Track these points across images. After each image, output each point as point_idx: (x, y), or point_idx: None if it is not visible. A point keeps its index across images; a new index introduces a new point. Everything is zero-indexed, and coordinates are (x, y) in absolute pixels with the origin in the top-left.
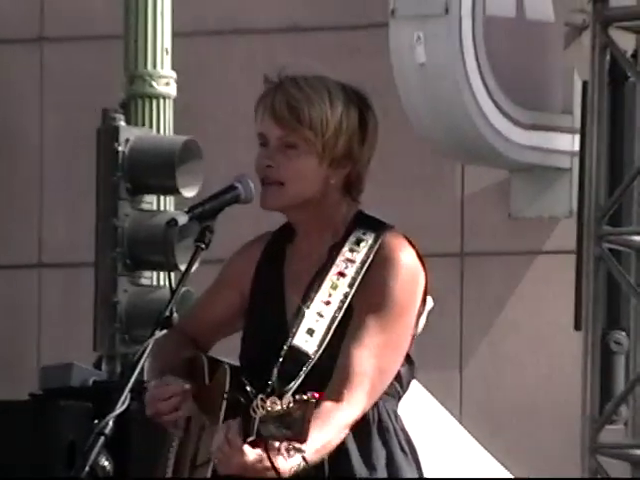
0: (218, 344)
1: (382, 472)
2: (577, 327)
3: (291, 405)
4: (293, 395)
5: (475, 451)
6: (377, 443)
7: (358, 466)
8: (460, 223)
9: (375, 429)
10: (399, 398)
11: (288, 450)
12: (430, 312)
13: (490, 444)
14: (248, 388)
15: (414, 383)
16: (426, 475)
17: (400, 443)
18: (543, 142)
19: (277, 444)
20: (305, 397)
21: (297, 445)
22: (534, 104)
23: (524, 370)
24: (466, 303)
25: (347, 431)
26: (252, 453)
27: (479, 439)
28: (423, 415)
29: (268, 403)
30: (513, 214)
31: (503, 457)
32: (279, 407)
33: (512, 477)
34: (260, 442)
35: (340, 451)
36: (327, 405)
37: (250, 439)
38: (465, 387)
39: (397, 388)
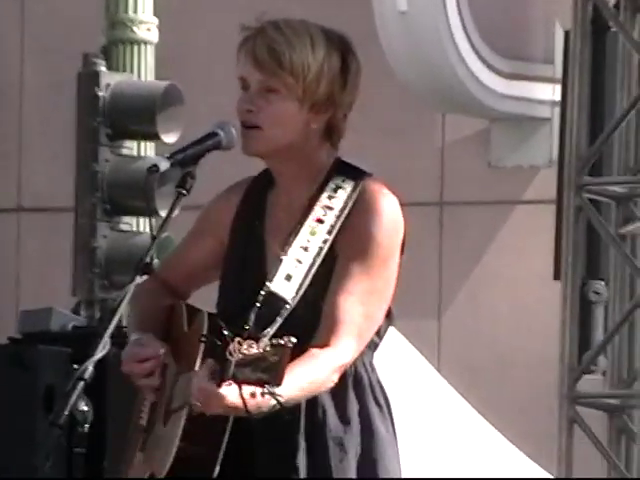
0: (195, 296)
1: (356, 426)
2: (556, 277)
3: (267, 349)
4: (270, 339)
5: (453, 400)
6: (351, 395)
7: (332, 420)
8: (440, 172)
9: (351, 381)
10: (375, 348)
11: (263, 394)
12: (409, 261)
13: (468, 393)
14: (225, 332)
15: (393, 331)
16: (402, 426)
17: (375, 396)
18: (524, 91)
19: (252, 388)
20: (282, 341)
21: (271, 389)
22: (515, 53)
23: (502, 319)
24: (445, 252)
25: (338, 375)
26: (230, 394)
27: (457, 388)
28: (401, 363)
29: (244, 346)
30: (493, 163)
31: (481, 406)
32: (255, 350)
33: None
34: (236, 385)
35: (315, 404)
36: (313, 349)
37: (225, 383)
38: (443, 336)
39: (374, 339)
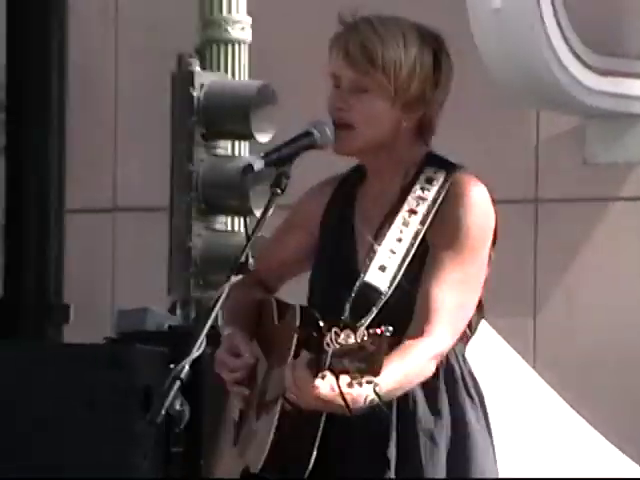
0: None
1: (446, 418)
2: None
3: (365, 339)
4: (366, 329)
5: (549, 398)
6: (442, 387)
7: (423, 411)
8: (534, 169)
9: (442, 373)
10: (467, 341)
11: (360, 383)
12: (504, 258)
13: (564, 392)
14: (321, 323)
15: (487, 327)
16: (496, 420)
17: (467, 388)
18: (618, 88)
19: (349, 378)
20: (379, 331)
21: (370, 378)
22: (610, 49)
23: (599, 318)
24: (540, 250)
25: (435, 362)
26: (324, 385)
27: (553, 386)
28: (494, 358)
29: (342, 337)
30: (588, 160)
31: (577, 405)
32: (353, 340)
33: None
34: (332, 375)
35: (406, 395)
36: (408, 340)
37: (322, 374)
38: (539, 335)
39: (466, 331)
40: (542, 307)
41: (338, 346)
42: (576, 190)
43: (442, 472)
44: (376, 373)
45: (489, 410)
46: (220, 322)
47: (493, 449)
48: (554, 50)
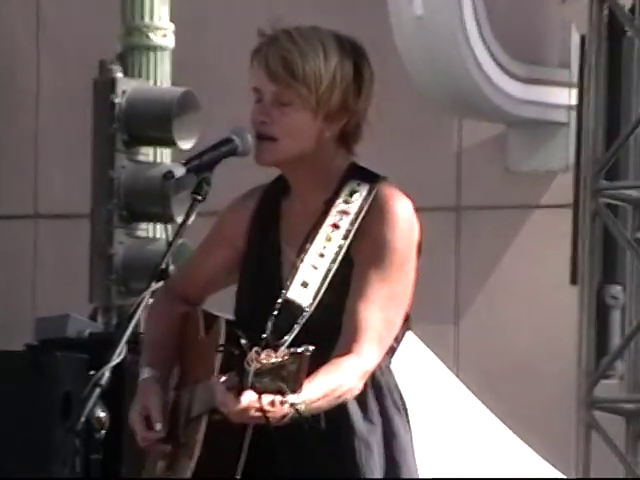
0: (211, 299)
1: (379, 427)
2: (573, 281)
3: (286, 358)
4: (288, 348)
5: (471, 404)
6: (371, 397)
7: (357, 419)
8: (456, 177)
9: (370, 384)
10: (392, 353)
11: (282, 402)
12: (426, 265)
13: (486, 398)
14: (242, 341)
15: (410, 335)
16: (421, 429)
17: (393, 399)
18: (540, 96)
19: (271, 396)
20: (300, 350)
21: (290, 396)
22: (531, 57)
23: (520, 324)
24: (462, 257)
25: (362, 382)
26: (246, 402)
27: (475, 392)
28: (419, 367)
29: (263, 355)
30: (510, 168)
31: (499, 411)
32: (273, 359)
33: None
34: (255, 393)
35: (341, 406)
36: (336, 358)
37: (244, 392)
38: (461, 341)
39: (392, 343)
40: (464, 313)
41: (259, 365)
42: (498, 198)
43: (378, 473)
44: (297, 392)
45: (413, 415)
46: (141, 328)
47: (414, 456)
48: (476, 58)
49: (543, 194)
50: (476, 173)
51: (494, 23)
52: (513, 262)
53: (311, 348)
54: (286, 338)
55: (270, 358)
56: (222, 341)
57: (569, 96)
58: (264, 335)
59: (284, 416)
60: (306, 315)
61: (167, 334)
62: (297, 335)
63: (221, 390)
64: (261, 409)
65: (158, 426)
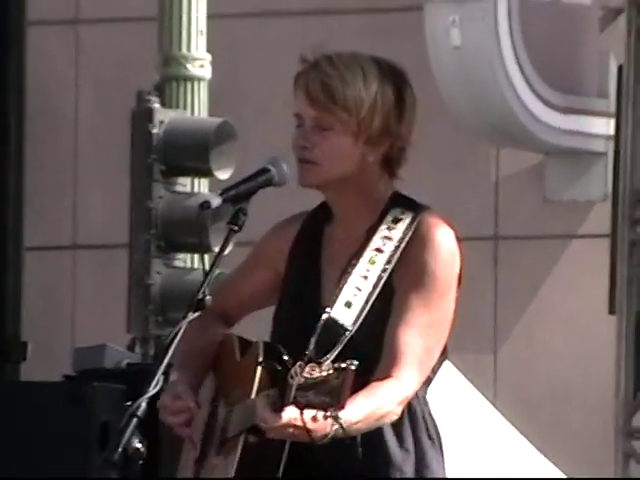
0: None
1: (412, 455)
2: (611, 311)
3: (330, 372)
4: (332, 363)
5: (509, 434)
6: (407, 426)
7: (392, 445)
8: (494, 206)
9: (406, 413)
10: (429, 383)
11: (325, 417)
12: (464, 295)
13: (524, 428)
14: (285, 357)
15: (448, 365)
16: (457, 459)
17: (427, 429)
18: (578, 125)
19: (314, 411)
20: (344, 365)
21: (334, 412)
22: (569, 87)
23: (558, 354)
24: (500, 287)
25: (401, 407)
26: (287, 417)
27: (513, 423)
28: (456, 398)
29: (306, 370)
30: (548, 197)
31: (537, 441)
32: (317, 374)
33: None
34: (296, 408)
35: (374, 432)
36: (375, 382)
37: (286, 408)
38: (499, 371)
39: (429, 373)
40: (502, 343)
41: (303, 379)
42: (536, 227)
43: None
44: (341, 406)
45: (449, 445)
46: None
47: None
48: (514, 88)
49: (581, 224)
50: (514, 203)
51: (532, 52)
52: (551, 292)
53: (356, 363)
54: (328, 356)
55: (314, 372)
56: (261, 358)
57: (607, 126)
58: (307, 352)
59: (326, 434)
60: (348, 335)
61: (203, 347)
62: (339, 354)
63: (262, 405)
64: (303, 424)
65: (191, 402)
